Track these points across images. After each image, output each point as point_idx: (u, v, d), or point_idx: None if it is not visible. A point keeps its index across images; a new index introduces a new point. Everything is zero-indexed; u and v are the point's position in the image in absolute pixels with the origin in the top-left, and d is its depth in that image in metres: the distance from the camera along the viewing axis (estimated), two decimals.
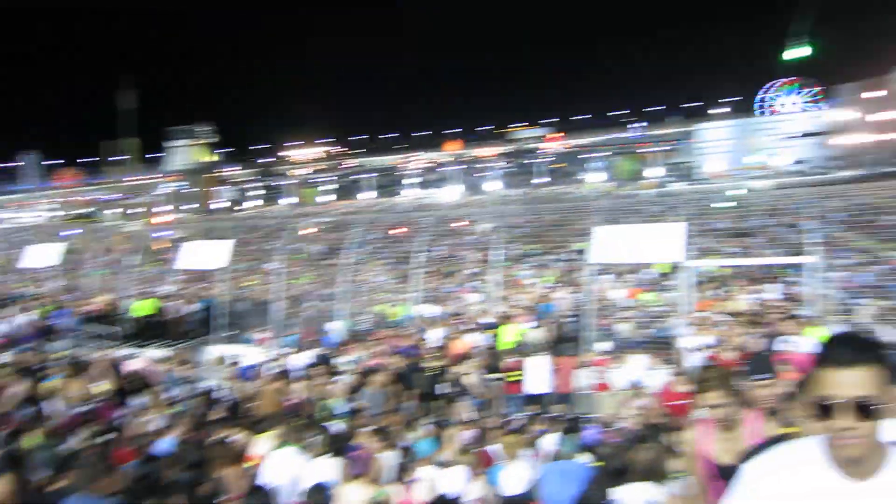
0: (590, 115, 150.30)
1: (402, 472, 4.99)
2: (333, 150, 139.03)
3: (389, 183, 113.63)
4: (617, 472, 4.20)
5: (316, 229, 32.27)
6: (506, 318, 13.23)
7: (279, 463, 4.87)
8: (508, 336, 12.14)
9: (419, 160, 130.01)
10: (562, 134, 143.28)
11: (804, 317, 12.97)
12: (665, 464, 4.57)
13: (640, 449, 4.74)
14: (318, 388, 8.61)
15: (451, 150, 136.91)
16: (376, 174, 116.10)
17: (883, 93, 60.29)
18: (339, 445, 4.95)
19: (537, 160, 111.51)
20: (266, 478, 4.67)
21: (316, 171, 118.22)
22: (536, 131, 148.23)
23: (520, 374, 10.48)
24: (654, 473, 4.33)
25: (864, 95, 62.21)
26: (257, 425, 6.03)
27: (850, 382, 1.66)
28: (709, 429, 3.41)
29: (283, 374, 8.95)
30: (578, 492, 3.70)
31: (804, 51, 68.67)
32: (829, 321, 14.62)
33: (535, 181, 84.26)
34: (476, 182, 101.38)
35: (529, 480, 4.55)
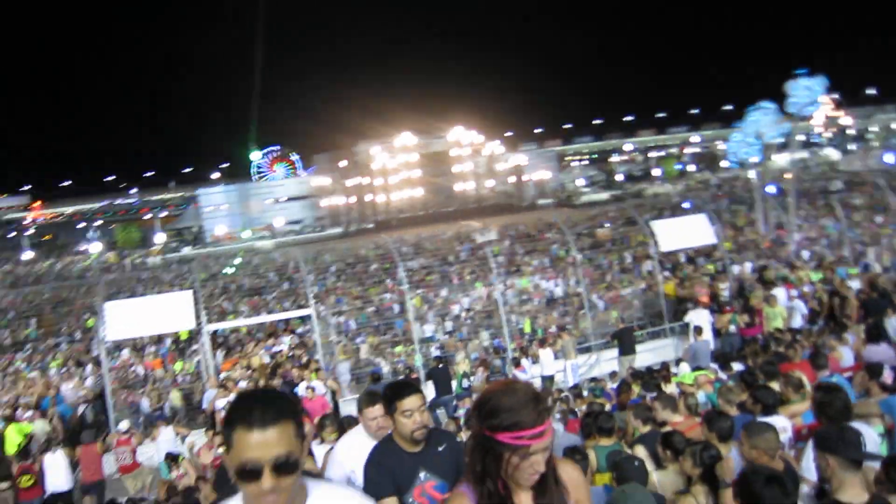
0: (70, 182, 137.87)
1: None
2: None
3: None
4: None
5: None
6: (8, 419, 11.53)
7: None
8: (13, 438, 10.64)
9: None
10: (39, 202, 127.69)
11: (315, 362, 14.69)
12: None
13: None
14: None
15: None
16: None
17: (348, 162, 71.50)
18: None
19: (19, 233, 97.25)
20: None
21: None
22: (13, 200, 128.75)
23: (32, 478, 9.37)
24: None
25: (337, 164, 72.82)
26: None
27: (265, 443, 1.61)
28: None
29: None
30: None
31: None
32: (340, 361, 16.93)
33: (22, 257, 72.92)
34: None
35: None
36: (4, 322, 24.99)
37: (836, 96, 71.88)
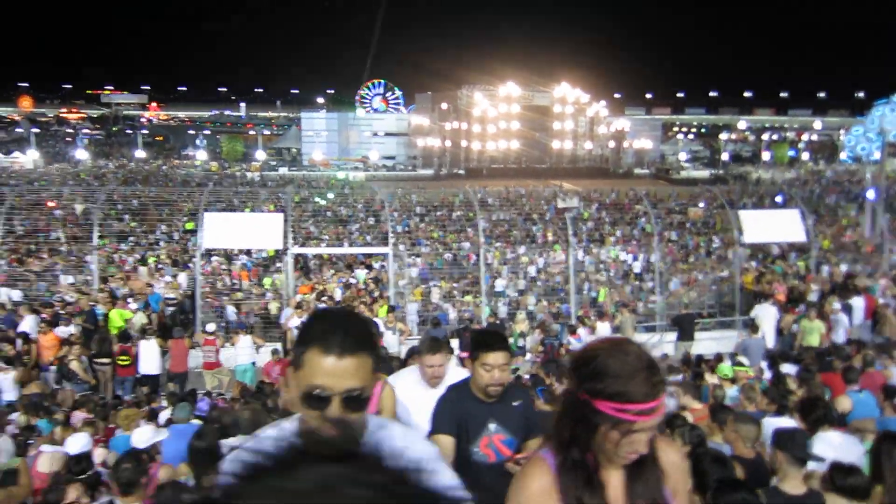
0: (184, 88, 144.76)
1: (25, 449, 5.17)
2: None
3: None
4: (223, 427, 5.19)
5: None
6: (111, 303, 12.95)
7: None
8: (116, 321, 12.04)
9: None
10: (156, 104, 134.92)
11: (385, 298, 15.52)
12: (264, 421, 5.90)
13: (244, 410, 6.04)
14: None
15: (24, 107, 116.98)
16: None
17: (449, 105, 71.64)
18: None
19: (134, 130, 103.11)
20: None
21: None
22: (133, 97, 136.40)
23: (128, 359, 10.68)
24: (255, 428, 5.65)
25: (438, 105, 73.06)
26: None
27: (339, 372, 1.51)
28: None
29: None
30: (190, 443, 4.42)
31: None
32: (409, 301, 17.71)
33: (133, 153, 77.97)
34: (56, 146, 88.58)
35: (150, 440, 5.22)
36: (114, 213, 27.06)
37: None
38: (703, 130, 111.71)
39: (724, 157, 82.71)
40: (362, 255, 22.76)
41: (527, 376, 9.96)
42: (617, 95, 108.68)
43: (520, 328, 12.83)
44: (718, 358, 10.14)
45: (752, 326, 11.18)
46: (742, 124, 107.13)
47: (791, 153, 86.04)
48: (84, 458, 4.48)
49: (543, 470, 1.76)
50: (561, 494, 1.71)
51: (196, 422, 5.97)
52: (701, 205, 34.89)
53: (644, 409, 1.58)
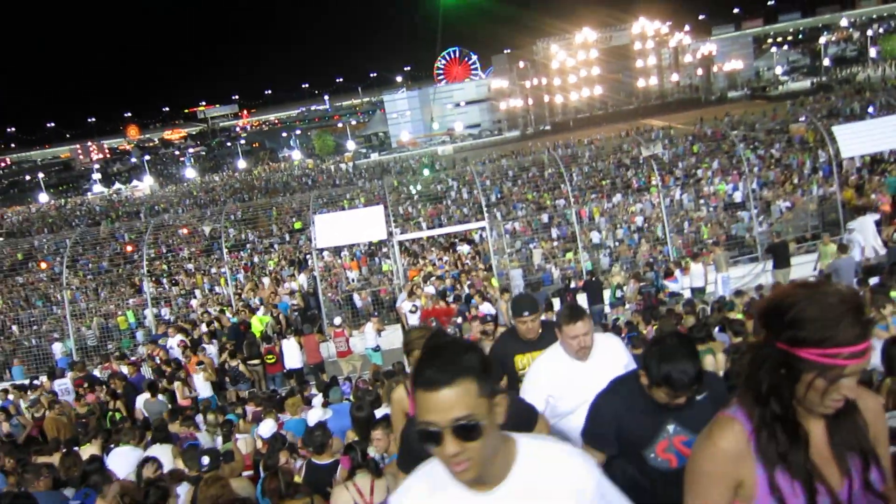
0: (270, 91, 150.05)
1: (229, 436, 6.59)
2: None
3: (67, 179, 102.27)
4: (374, 401, 6.34)
5: None
6: (250, 311, 14.69)
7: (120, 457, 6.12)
8: (257, 325, 13.71)
9: (97, 151, 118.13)
10: (246, 112, 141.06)
11: (489, 269, 16.38)
12: None
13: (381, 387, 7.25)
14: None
15: (132, 135, 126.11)
16: (42, 172, 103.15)
17: (527, 62, 71.01)
18: (164, 435, 6.41)
19: (232, 141, 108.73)
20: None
21: None
22: (226, 109, 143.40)
23: (273, 357, 12.25)
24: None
25: (516, 64, 72.55)
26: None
27: (441, 405, 1.49)
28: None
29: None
30: (352, 415, 5.61)
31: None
32: (513, 266, 18.47)
33: (235, 163, 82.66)
34: (166, 169, 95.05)
35: (321, 418, 6.43)
36: (228, 224, 29.51)
37: None
38: (800, 37, 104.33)
39: (826, 62, 76.93)
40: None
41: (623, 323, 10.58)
42: (701, 17, 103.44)
43: (616, 280, 13.34)
44: None
45: (841, 246, 11.21)
46: (844, 22, 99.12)
47: None
48: (279, 437, 5.73)
49: (736, 429, 1.67)
50: (759, 454, 1.64)
51: (346, 402, 7.21)
52: (802, 119, 33.23)
53: (856, 352, 1.52)
